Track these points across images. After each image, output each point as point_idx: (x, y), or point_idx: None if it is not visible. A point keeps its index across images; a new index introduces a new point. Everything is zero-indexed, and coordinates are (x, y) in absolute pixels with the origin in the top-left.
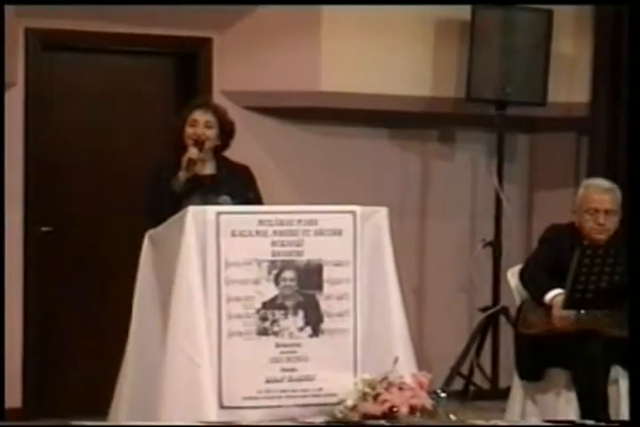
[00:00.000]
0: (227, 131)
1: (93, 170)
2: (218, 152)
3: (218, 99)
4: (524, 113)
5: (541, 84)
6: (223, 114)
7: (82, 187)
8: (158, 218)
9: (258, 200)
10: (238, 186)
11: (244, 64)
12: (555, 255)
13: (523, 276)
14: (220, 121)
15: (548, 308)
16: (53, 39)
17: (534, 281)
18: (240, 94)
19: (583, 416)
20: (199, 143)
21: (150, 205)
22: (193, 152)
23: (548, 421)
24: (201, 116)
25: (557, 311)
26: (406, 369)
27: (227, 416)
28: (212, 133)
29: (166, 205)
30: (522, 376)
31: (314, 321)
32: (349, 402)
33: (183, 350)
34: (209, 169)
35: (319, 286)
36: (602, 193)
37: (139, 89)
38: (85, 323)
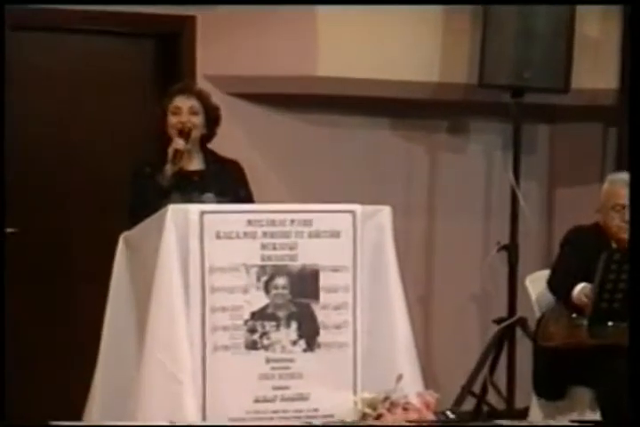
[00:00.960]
0: (212, 117)
1: (63, 163)
2: (204, 144)
3: (201, 84)
4: (543, 101)
5: (563, 69)
6: (207, 98)
7: (50, 182)
8: (142, 218)
9: (249, 199)
10: (228, 183)
11: (231, 45)
12: (581, 261)
13: (551, 284)
14: (205, 107)
15: (575, 311)
16: (20, 18)
17: (565, 288)
18: (226, 79)
19: None
20: (184, 133)
21: (133, 204)
22: (179, 143)
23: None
24: (184, 102)
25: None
26: (411, 387)
27: None
28: (197, 121)
29: (151, 203)
30: (541, 395)
31: (309, 334)
32: None
33: (162, 366)
34: (196, 164)
35: (315, 295)
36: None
37: (114, 73)
38: (54, 333)
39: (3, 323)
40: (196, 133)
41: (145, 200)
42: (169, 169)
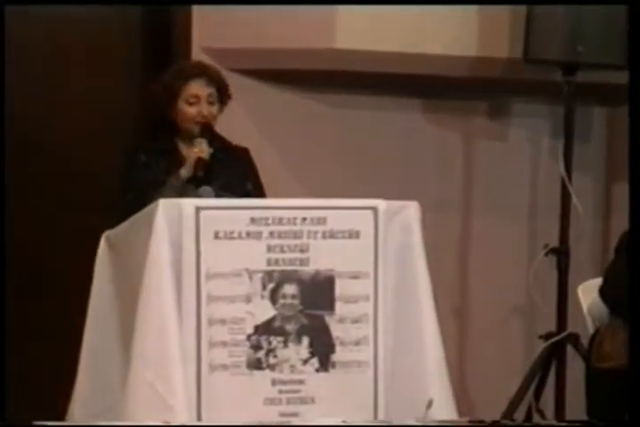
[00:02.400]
0: (225, 97)
1: (39, 152)
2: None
3: (198, 59)
4: (600, 79)
5: (623, 42)
6: (223, 81)
7: (23, 174)
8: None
9: (259, 193)
10: (235, 175)
11: (234, 13)
12: None
13: (603, 294)
14: (220, 91)
15: None
16: None
17: (620, 299)
18: (228, 53)
19: None
20: (207, 129)
21: (125, 198)
22: (205, 150)
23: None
24: (202, 89)
25: None
26: (443, 414)
27: None
28: (215, 111)
29: (148, 197)
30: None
31: (322, 351)
32: None
33: (151, 388)
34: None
35: (329, 306)
36: None
37: (97, 46)
38: (29, 345)
39: (3, 325)
40: (213, 124)
41: (141, 193)
42: (184, 174)
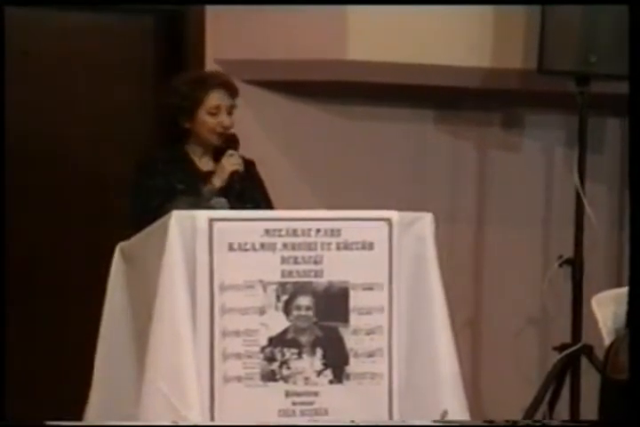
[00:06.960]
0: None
1: (47, 163)
2: None
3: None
4: (613, 89)
5: None
6: (238, 92)
7: (30, 185)
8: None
9: (267, 204)
10: (248, 186)
11: (246, 25)
12: None
13: None
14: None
15: None
16: None
17: None
18: (241, 64)
19: None
20: (231, 139)
21: (142, 208)
22: (238, 163)
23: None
24: (224, 100)
25: None
26: None
27: None
28: (233, 122)
29: (166, 207)
30: None
31: (336, 363)
32: None
33: (165, 398)
34: (209, 164)
35: (343, 317)
36: None
37: (108, 56)
38: (39, 359)
39: (3, 325)
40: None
41: (158, 204)
42: (217, 185)
